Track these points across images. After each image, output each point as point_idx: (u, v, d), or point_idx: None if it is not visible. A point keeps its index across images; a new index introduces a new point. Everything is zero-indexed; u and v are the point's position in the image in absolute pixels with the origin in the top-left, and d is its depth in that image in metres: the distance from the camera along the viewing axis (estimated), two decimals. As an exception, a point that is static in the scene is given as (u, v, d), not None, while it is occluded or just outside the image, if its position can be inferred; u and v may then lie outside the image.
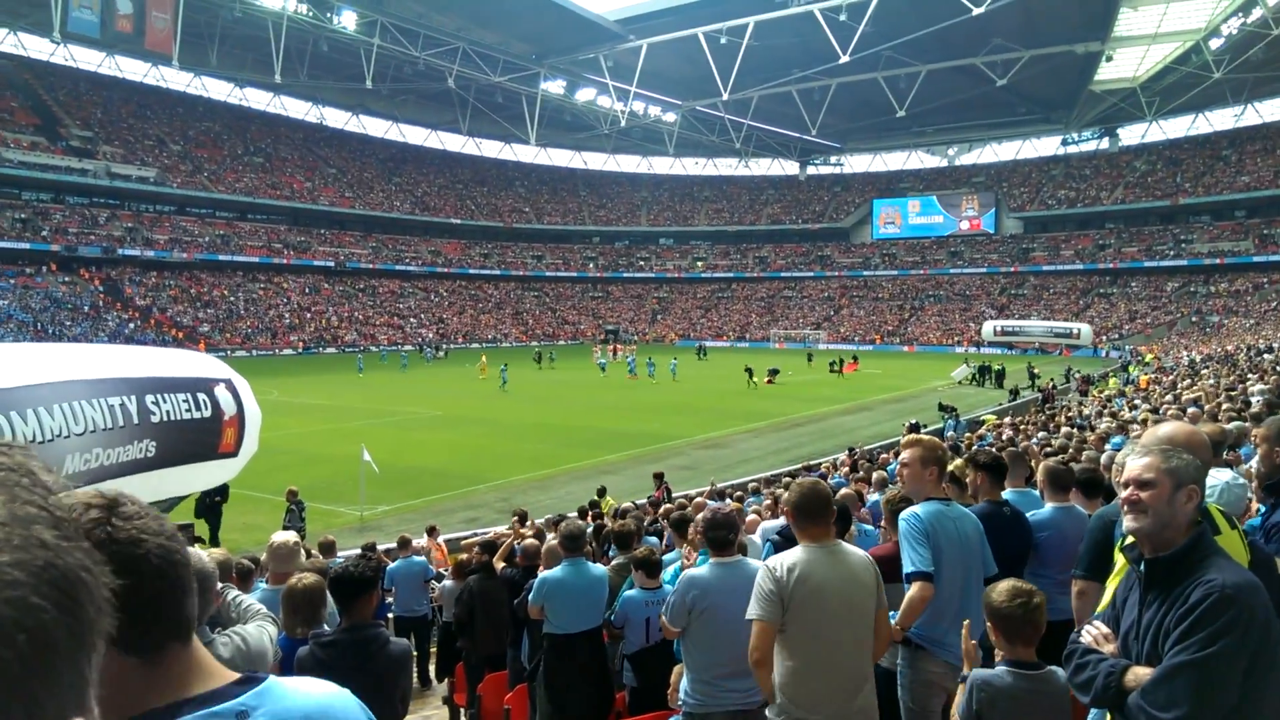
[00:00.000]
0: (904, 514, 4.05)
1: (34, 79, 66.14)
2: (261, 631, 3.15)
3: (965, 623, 3.28)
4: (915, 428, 20.52)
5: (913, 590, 3.86)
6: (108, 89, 71.52)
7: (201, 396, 8.53)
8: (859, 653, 3.47)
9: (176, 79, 75.39)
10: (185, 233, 66.11)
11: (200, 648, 1.08)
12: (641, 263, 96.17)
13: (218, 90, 79.98)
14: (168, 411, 7.89)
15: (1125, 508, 2.36)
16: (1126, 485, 2.36)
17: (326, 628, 3.86)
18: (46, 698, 0.43)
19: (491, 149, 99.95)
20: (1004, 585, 3.06)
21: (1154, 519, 2.29)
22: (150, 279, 61.85)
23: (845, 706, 3.39)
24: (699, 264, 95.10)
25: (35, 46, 67.10)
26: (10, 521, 0.44)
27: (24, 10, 57.62)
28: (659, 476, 15.11)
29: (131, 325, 55.83)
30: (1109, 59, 64.59)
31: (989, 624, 3.05)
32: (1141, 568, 2.35)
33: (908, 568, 3.91)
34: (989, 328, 66.97)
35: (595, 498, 14.53)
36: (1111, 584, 2.68)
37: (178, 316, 59.12)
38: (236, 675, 1.11)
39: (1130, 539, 2.41)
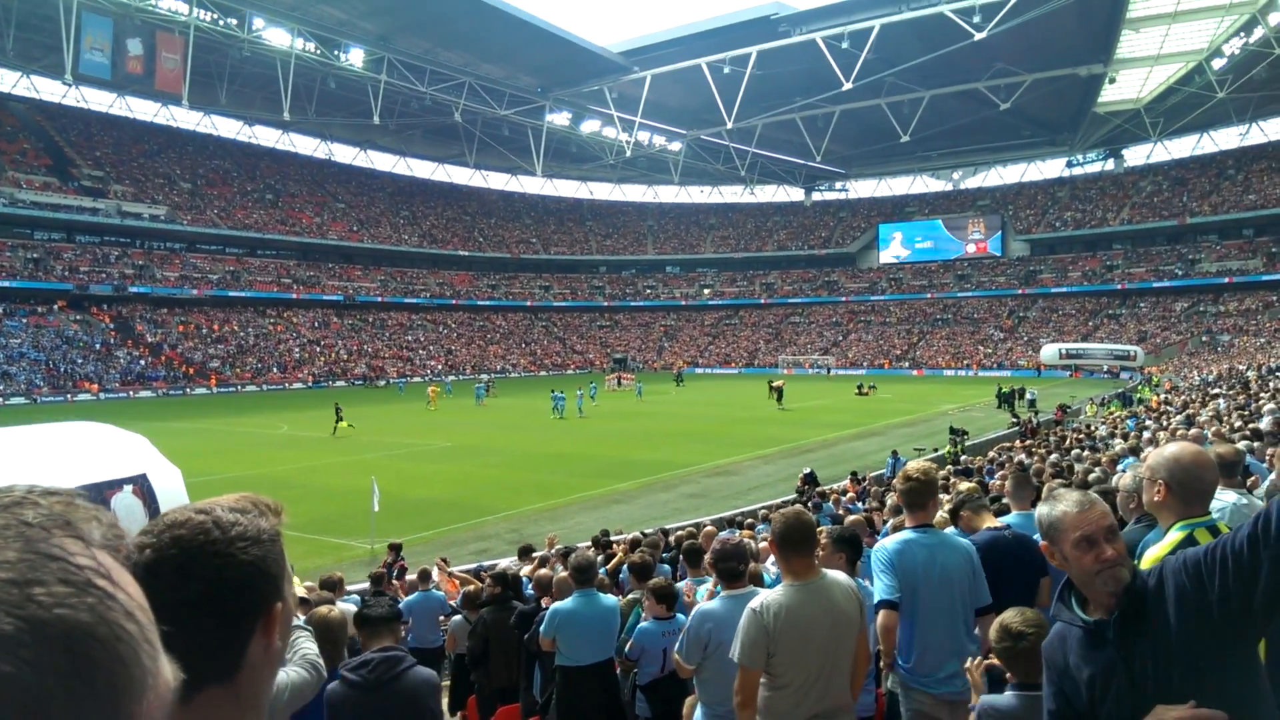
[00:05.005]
0: (875, 546, 4.10)
1: (46, 121, 67.19)
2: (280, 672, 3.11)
3: (974, 660, 3.33)
4: (810, 477, 18.90)
5: (879, 618, 3.96)
6: (119, 129, 72.59)
7: None
8: (839, 682, 3.42)
9: (186, 118, 76.48)
10: (195, 269, 66.72)
11: (254, 702, 0.94)
12: (649, 291, 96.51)
13: (227, 128, 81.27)
14: None
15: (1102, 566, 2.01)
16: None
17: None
18: None
19: (498, 181, 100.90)
20: (997, 622, 3.04)
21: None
22: (161, 315, 62.33)
23: None
24: (705, 291, 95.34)
25: (47, 89, 68.28)
26: (11, 581, 0.42)
27: (37, 54, 58.62)
28: (395, 548, 12.80)
29: (142, 362, 56.21)
30: (1112, 81, 64.73)
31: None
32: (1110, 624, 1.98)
33: (875, 597, 4.01)
34: (1050, 350, 63.88)
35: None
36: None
37: (188, 353, 59.49)
38: None
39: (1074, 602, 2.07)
